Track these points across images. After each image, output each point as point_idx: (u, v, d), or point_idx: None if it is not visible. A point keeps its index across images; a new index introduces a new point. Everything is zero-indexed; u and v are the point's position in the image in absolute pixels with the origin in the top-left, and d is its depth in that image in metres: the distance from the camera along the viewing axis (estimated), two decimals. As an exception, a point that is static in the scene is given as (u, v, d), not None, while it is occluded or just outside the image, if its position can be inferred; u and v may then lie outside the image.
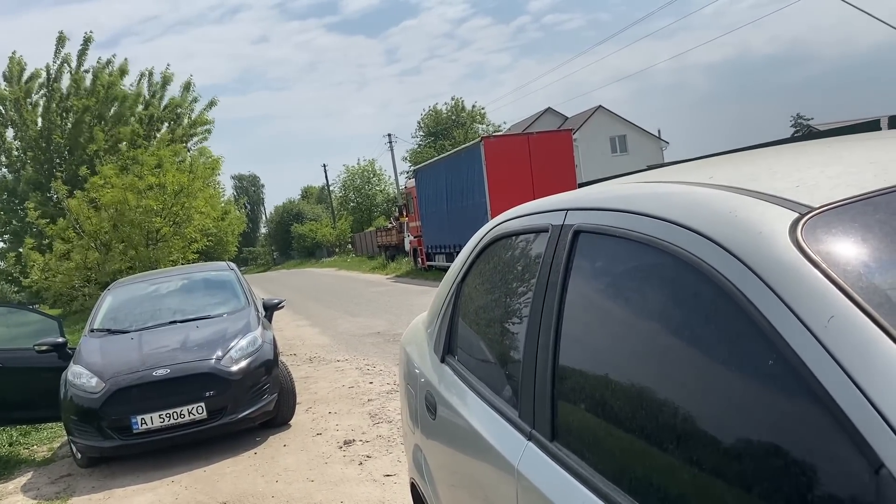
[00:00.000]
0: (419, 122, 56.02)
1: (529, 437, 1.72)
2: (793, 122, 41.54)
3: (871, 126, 13.80)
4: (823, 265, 1.02)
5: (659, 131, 48.84)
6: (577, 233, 1.70)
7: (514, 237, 2.20)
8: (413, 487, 2.92)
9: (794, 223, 1.12)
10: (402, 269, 28.35)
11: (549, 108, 51.36)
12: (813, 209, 1.14)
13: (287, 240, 71.76)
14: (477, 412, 2.08)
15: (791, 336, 0.99)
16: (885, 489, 0.81)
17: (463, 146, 23.64)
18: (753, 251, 1.12)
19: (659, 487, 1.28)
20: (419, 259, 26.58)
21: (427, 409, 2.56)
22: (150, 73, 31.81)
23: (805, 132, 33.59)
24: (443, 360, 2.55)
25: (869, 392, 0.87)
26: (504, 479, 1.78)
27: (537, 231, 1.96)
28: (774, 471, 1.00)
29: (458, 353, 2.48)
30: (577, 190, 2.03)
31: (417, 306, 15.95)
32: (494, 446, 1.88)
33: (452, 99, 55.55)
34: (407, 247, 29.39)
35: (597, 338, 1.60)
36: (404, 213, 30.45)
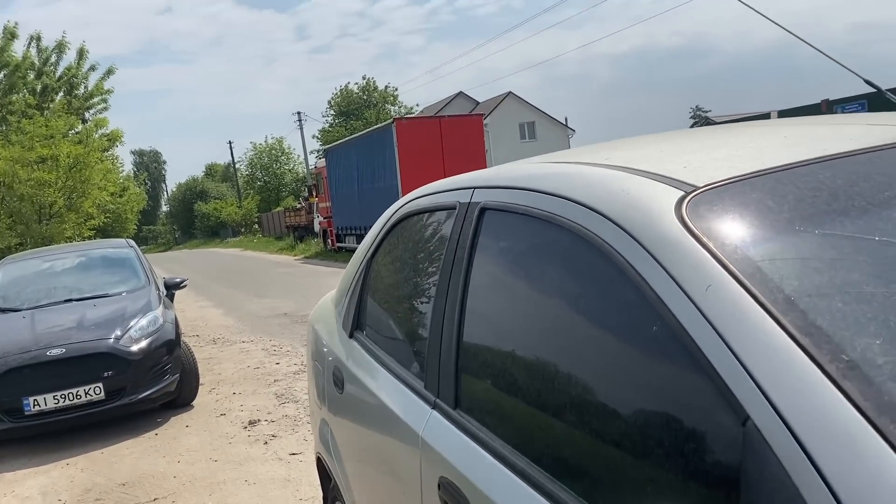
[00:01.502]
0: (330, 102, 55.21)
1: (434, 406, 1.78)
2: (692, 114, 43.32)
3: (762, 118, 14.60)
4: (704, 239, 1.11)
5: (566, 119, 49.97)
6: (483, 210, 1.76)
7: (422, 215, 2.25)
8: (319, 462, 2.94)
9: (680, 200, 1.20)
10: (312, 250, 28.00)
11: (460, 91, 51.64)
12: (697, 188, 1.23)
13: (190, 219, 69.56)
14: (384, 384, 2.13)
15: (673, 303, 1.08)
16: (750, 439, 0.91)
17: (375, 127, 23.51)
18: (642, 226, 1.21)
19: (555, 448, 1.36)
20: (329, 240, 26.33)
21: (334, 383, 2.59)
22: (39, 38, 30.03)
23: (703, 123, 35.08)
24: (351, 336, 2.57)
25: (739, 353, 0.96)
26: (408, 446, 1.84)
27: (445, 208, 2.01)
28: (659, 427, 1.09)
29: (366, 329, 2.52)
30: (484, 170, 2.09)
31: (327, 287, 15.62)
32: (400, 416, 1.93)
33: (364, 79, 54.92)
34: (316, 227, 29.04)
35: (499, 311, 1.67)
36: (314, 194, 30.05)
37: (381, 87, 54.71)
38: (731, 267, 1.05)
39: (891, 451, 0.79)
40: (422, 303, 2.05)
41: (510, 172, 1.84)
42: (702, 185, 1.24)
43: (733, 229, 1.15)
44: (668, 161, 1.43)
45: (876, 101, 13.01)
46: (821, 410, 0.86)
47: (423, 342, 1.94)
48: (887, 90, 1.96)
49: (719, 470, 0.96)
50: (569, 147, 41.93)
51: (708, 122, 35.75)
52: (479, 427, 1.57)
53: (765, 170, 1.26)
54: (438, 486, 1.63)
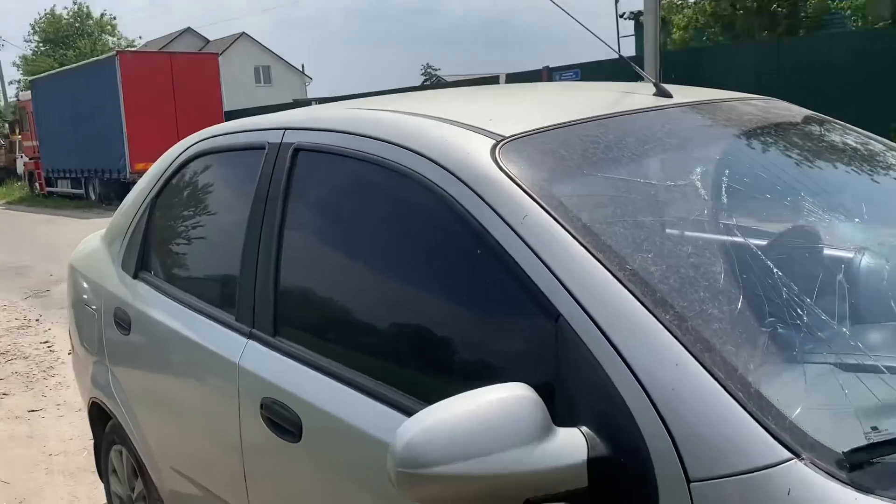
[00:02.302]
0: (33, 26, 48.56)
1: (250, 336, 1.88)
2: (423, 71, 45.03)
3: (492, 81, 15.79)
4: (517, 179, 1.37)
5: (303, 66, 49.20)
6: (297, 150, 1.87)
7: (222, 154, 2.28)
8: (94, 407, 2.85)
9: (493, 147, 1.45)
10: (15, 194, 24.85)
11: (189, 27, 48.30)
12: (505, 137, 1.48)
13: None
14: (187, 321, 2.16)
15: (495, 230, 1.32)
16: (562, 330, 1.18)
17: (94, 59, 21.32)
18: (464, 167, 1.43)
19: (381, 355, 1.56)
20: (37, 184, 23.57)
21: (117, 325, 2.53)
22: None
23: (434, 82, 36.73)
24: (136, 276, 2.53)
25: (552, 266, 1.23)
26: (223, 376, 1.92)
27: (252, 148, 2.07)
28: (486, 328, 1.34)
29: (154, 269, 2.49)
30: (294, 111, 2.18)
31: (44, 235, 14.31)
32: (210, 348, 2.00)
33: (75, 3, 48.92)
34: (20, 169, 25.77)
35: (321, 243, 1.82)
36: (17, 131, 26.55)
37: (96, 14, 49.26)
38: (541, 201, 1.32)
39: (665, 331, 1.10)
40: (230, 240, 2.11)
41: (327, 116, 1.96)
42: (508, 135, 1.49)
43: (538, 171, 1.42)
44: (474, 114, 1.67)
45: (586, 69, 14.69)
46: (615, 305, 1.15)
47: (232, 278, 2.01)
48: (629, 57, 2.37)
49: (539, 358, 1.23)
50: (306, 94, 41.45)
51: (439, 80, 37.50)
52: (300, 349, 1.72)
53: (555, 125, 1.56)
54: (261, 406, 1.75)
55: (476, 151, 1.45)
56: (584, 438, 1.09)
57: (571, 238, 1.25)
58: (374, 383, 1.49)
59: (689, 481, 1.01)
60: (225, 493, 2.02)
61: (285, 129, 1.97)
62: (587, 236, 1.25)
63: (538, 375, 1.20)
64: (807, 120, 1.96)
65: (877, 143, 1.88)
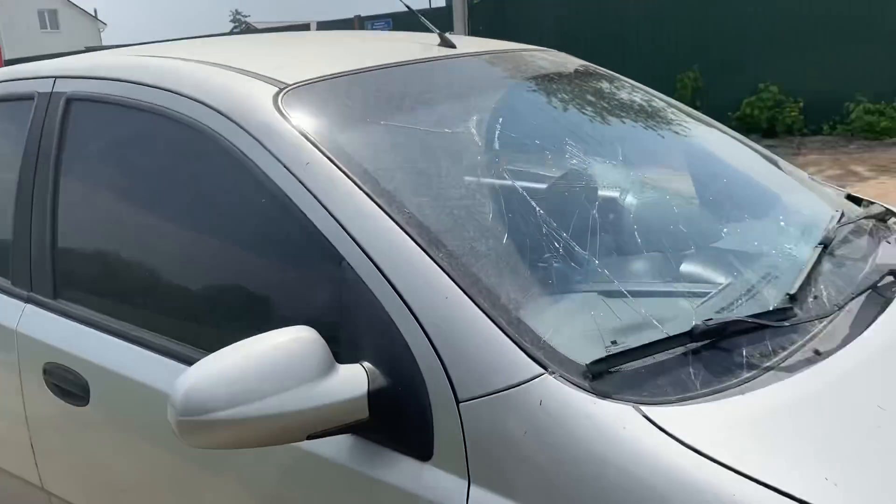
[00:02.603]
0: None
1: (28, 300, 1.77)
2: (232, 17, 42.93)
3: (302, 28, 15.37)
4: (300, 126, 1.38)
5: (95, 10, 45.07)
6: (69, 100, 1.76)
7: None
8: None
9: (276, 94, 1.45)
10: None
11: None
12: (289, 84, 1.49)
13: None
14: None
15: (278, 178, 1.33)
16: (345, 274, 1.23)
17: None
18: (246, 116, 1.42)
19: (169, 311, 1.53)
20: None
21: None
22: None
23: (244, 28, 35.10)
24: None
25: (335, 213, 1.26)
26: (0, 347, 1.80)
27: (20, 98, 1.92)
28: (276, 279, 1.36)
29: None
30: (66, 58, 2.03)
31: None
32: None
33: None
34: None
35: (100, 199, 1.73)
36: None
37: None
38: (323, 148, 1.35)
39: (438, 268, 1.18)
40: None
41: (102, 63, 1.85)
42: (293, 82, 1.50)
43: (321, 118, 1.44)
44: (260, 62, 1.65)
45: (398, 19, 14.69)
46: (393, 246, 1.21)
47: (5, 242, 1.87)
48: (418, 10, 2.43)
49: (324, 302, 1.28)
50: (101, 41, 38.15)
51: (249, 27, 35.87)
52: (83, 310, 1.65)
53: (340, 73, 1.58)
54: (44, 372, 1.66)
55: (258, 99, 1.45)
56: (364, 373, 1.15)
57: (353, 184, 1.29)
58: (163, 339, 1.47)
59: (458, 402, 1.10)
60: (17, 469, 1.91)
61: (56, 77, 1.84)
62: (368, 182, 1.30)
63: (323, 318, 1.25)
64: (582, 71, 2.12)
65: (644, 93, 2.07)
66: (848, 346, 1.21)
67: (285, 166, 1.33)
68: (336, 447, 1.20)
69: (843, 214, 1.75)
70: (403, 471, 1.15)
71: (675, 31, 10.61)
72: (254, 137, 1.39)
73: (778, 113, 9.94)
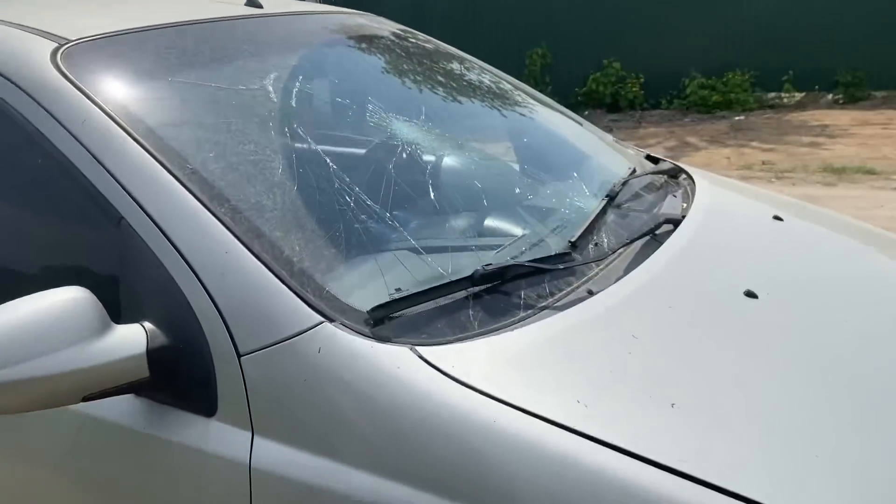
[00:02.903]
0: None
1: None
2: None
3: None
4: (78, 83, 1.32)
5: None
6: None
7: None
8: None
9: (55, 51, 1.38)
10: None
11: None
12: (70, 40, 1.42)
13: None
14: None
15: (53, 136, 1.27)
16: (124, 232, 1.19)
17: None
18: (21, 74, 1.34)
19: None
20: None
21: None
22: None
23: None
24: None
25: (110, 167, 1.22)
26: None
27: None
28: (54, 239, 1.30)
29: None
30: None
31: None
32: None
33: None
34: None
35: None
36: None
37: None
38: (103, 105, 1.29)
39: (219, 223, 1.16)
40: None
41: None
42: (74, 38, 1.43)
43: (103, 75, 1.38)
44: (41, 17, 1.55)
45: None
46: (173, 203, 1.19)
47: None
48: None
49: (103, 261, 1.24)
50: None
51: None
52: None
53: (128, 30, 1.52)
54: None
55: (35, 55, 1.37)
56: (143, 331, 1.13)
57: (132, 141, 1.25)
58: None
59: (239, 356, 1.10)
60: None
61: None
62: (149, 139, 1.26)
63: (103, 279, 1.21)
64: (398, 34, 2.14)
65: (462, 60, 2.13)
66: (615, 284, 1.31)
67: (62, 124, 1.27)
68: (120, 409, 1.17)
69: (633, 171, 1.88)
70: (188, 428, 1.14)
71: (525, 8, 10.88)
72: (29, 95, 1.31)
73: (621, 88, 10.46)
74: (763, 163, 6.83)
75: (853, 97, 9.40)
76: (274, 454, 1.08)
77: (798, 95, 9.85)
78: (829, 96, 9.69)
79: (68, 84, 1.32)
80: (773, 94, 9.94)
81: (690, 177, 1.96)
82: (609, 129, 8.38)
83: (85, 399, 1.09)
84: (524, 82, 2.26)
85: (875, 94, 9.49)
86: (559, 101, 2.98)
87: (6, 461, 1.34)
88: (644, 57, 10.35)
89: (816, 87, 9.73)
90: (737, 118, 9.28)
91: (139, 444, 1.17)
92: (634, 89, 10.41)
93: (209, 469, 1.12)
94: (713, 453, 0.97)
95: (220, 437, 1.12)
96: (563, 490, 0.94)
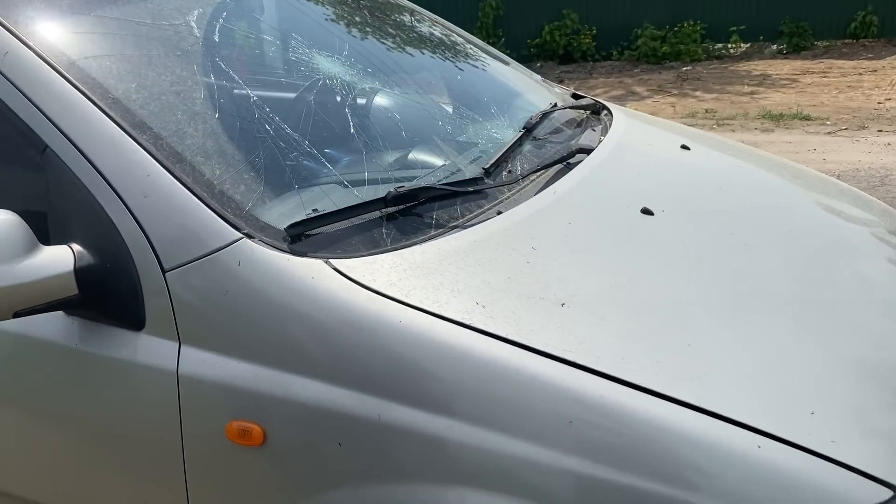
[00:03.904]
0: None
1: None
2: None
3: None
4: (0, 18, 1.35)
5: None
6: None
7: None
8: None
9: None
10: None
11: None
12: (-9, -24, 1.43)
13: None
14: None
15: None
16: (49, 160, 1.24)
17: None
18: None
19: None
20: None
21: None
22: None
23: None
24: None
25: (33, 97, 1.26)
26: None
27: None
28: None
29: None
30: None
31: None
32: None
33: None
34: None
35: None
36: None
37: None
38: (24, 38, 1.33)
39: (140, 149, 1.22)
40: None
41: None
42: None
43: (24, 9, 1.41)
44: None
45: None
46: (95, 131, 1.24)
47: None
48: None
49: (30, 189, 1.29)
50: None
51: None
52: None
53: None
54: None
55: None
56: (70, 251, 1.19)
57: (54, 72, 1.29)
58: None
59: (164, 271, 1.18)
60: None
61: None
62: (71, 70, 1.30)
63: (30, 206, 1.26)
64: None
65: (400, 5, 2.17)
66: (521, 205, 1.41)
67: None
68: (52, 328, 1.24)
69: (554, 105, 1.97)
70: (119, 342, 1.21)
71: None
72: None
73: (574, 40, 10.52)
74: (706, 111, 6.98)
75: (797, 47, 9.61)
76: (200, 361, 1.17)
77: (744, 46, 10.03)
78: (774, 47, 9.88)
79: (-12, 20, 1.34)
80: (720, 45, 10.10)
81: (611, 112, 2.06)
82: (560, 80, 8.47)
83: (16, 315, 1.16)
84: (476, 34, 2.31)
85: (818, 44, 9.71)
86: (510, 54, 3.05)
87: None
88: (599, 9, 10.43)
89: (761, 37, 9.91)
90: (684, 68, 9.42)
91: (72, 360, 1.24)
92: (587, 41, 10.48)
93: (139, 380, 1.21)
94: (596, 344, 1.08)
95: (148, 348, 1.20)
96: (459, 378, 1.05)
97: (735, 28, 9.86)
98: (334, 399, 1.09)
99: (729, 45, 10.11)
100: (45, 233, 1.24)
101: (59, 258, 1.17)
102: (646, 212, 1.44)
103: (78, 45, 1.39)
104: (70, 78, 1.29)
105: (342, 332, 1.10)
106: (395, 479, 1.08)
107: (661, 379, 1.03)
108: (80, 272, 1.18)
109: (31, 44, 1.32)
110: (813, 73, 8.37)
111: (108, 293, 1.21)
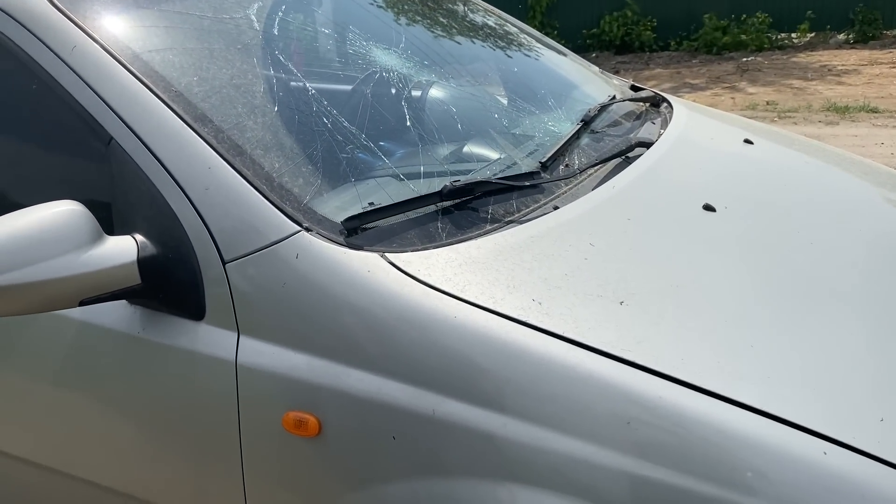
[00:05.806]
0: None
1: None
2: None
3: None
4: (68, 13, 1.38)
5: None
6: None
7: None
8: None
9: None
10: None
11: None
12: (60, -27, 1.47)
13: None
14: None
15: (45, 62, 1.34)
16: (114, 152, 1.27)
17: None
18: (15, 5, 1.41)
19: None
20: None
21: None
22: None
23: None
24: None
25: (101, 93, 1.29)
26: None
27: None
28: (49, 161, 1.38)
29: None
30: None
31: None
32: None
33: None
34: None
35: None
36: None
37: None
38: (90, 32, 1.36)
39: (202, 141, 1.24)
40: None
41: None
42: None
43: (91, 4, 1.44)
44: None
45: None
46: (158, 123, 1.26)
47: None
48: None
49: (96, 180, 1.32)
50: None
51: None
52: None
53: None
54: None
55: None
56: (134, 242, 1.22)
57: (120, 66, 1.32)
58: None
59: (224, 262, 1.19)
60: None
61: None
62: (136, 63, 1.33)
63: (95, 197, 1.30)
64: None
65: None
66: (580, 200, 1.39)
67: (53, 52, 1.34)
68: (115, 316, 1.28)
69: (613, 98, 1.93)
70: (179, 331, 1.24)
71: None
72: (21, 24, 1.38)
73: (632, 30, 10.35)
74: (767, 103, 6.80)
75: (865, 36, 9.27)
76: (257, 352, 1.18)
77: (808, 36, 9.72)
78: (840, 36, 9.55)
79: (59, 14, 1.38)
80: (783, 35, 9.81)
81: (671, 105, 2.02)
82: (616, 71, 8.34)
83: (82, 303, 1.19)
84: (528, 24, 2.29)
85: (887, 34, 9.35)
86: (565, 44, 3.01)
87: (7, 365, 1.45)
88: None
89: (828, 26, 9.59)
90: (744, 59, 9.18)
91: (134, 348, 1.27)
92: (646, 32, 10.31)
93: (199, 368, 1.23)
94: (655, 344, 1.06)
95: (208, 338, 1.22)
96: (514, 376, 1.04)
97: (809, 13, 9.54)
98: (389, 392, 1.10)
99: (793, 35, 9.81)
100: (109, 223, 1.27)
101: (123, 248, 1.20)
102: (708, 208, 1.40)
103: (142, 39, 1.42)
104: (134, 71, 1.31)
105: (397, 326, 1.10)
106: (448, 475, 1.08)
107: (722, 380, 1.01)
108: (142, 262, 1.21)
109: (97, 38, 1.35)
110: (881, 63, 8.06)
111: (170, 283, 1.23)
